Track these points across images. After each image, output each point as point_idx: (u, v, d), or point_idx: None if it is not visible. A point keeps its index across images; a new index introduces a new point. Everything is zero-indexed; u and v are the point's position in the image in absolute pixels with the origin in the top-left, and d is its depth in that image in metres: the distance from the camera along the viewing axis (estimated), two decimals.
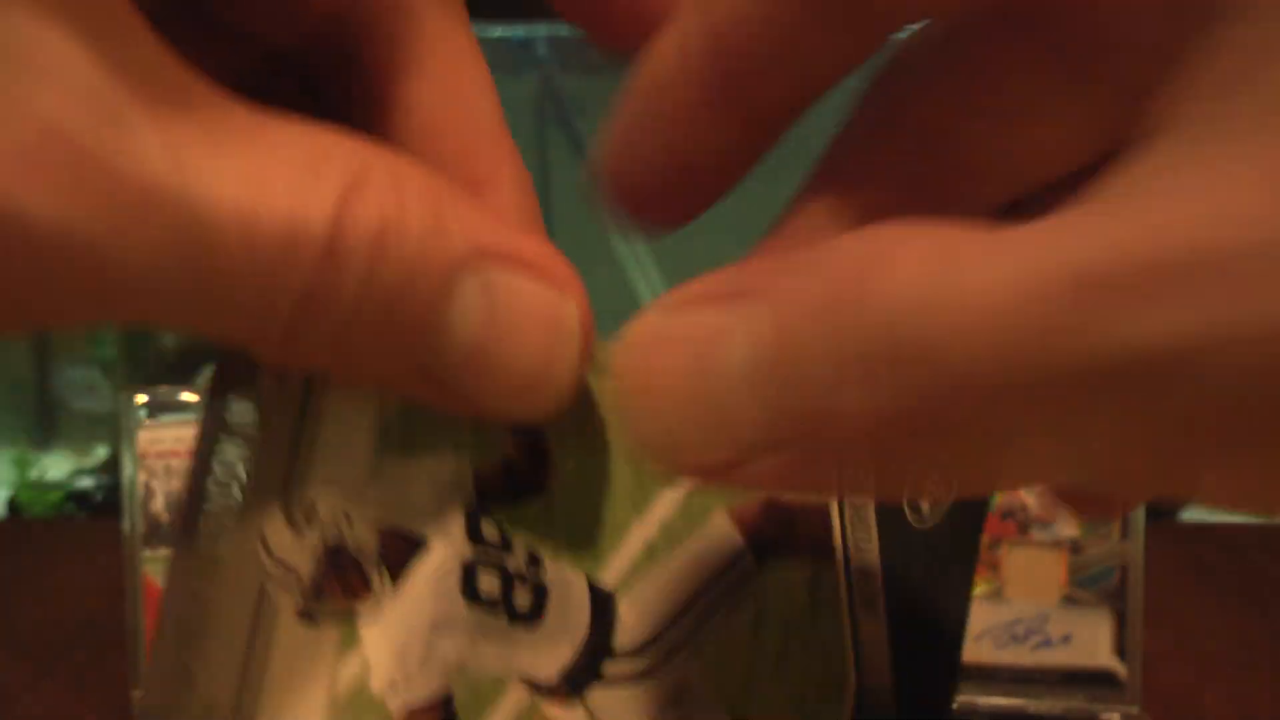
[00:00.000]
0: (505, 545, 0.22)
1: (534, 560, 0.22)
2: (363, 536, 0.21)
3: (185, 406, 0.52)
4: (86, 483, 0.88)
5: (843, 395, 0.16)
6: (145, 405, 0.52)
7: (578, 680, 0.21)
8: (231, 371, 0.22)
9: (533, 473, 0.22)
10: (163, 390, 0.52)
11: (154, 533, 0.51)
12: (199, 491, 0.21)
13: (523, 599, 0.21)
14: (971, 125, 0.22)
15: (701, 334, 0.17)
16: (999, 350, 0.15)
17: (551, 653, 0.21)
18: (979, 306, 0.15)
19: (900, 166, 0.23)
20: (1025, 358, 0.15)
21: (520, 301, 0.19)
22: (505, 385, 0.19)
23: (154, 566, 0.50)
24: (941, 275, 0.15)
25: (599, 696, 0.21)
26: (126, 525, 0.50)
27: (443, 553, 0.21)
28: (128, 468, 0.52)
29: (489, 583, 0.21)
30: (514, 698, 0.21)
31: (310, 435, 0.22)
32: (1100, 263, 0.14)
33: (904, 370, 0.15)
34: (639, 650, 0.22)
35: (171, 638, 0.21)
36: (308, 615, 0.21)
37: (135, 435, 0.52)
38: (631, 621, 0.22)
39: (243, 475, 0.22)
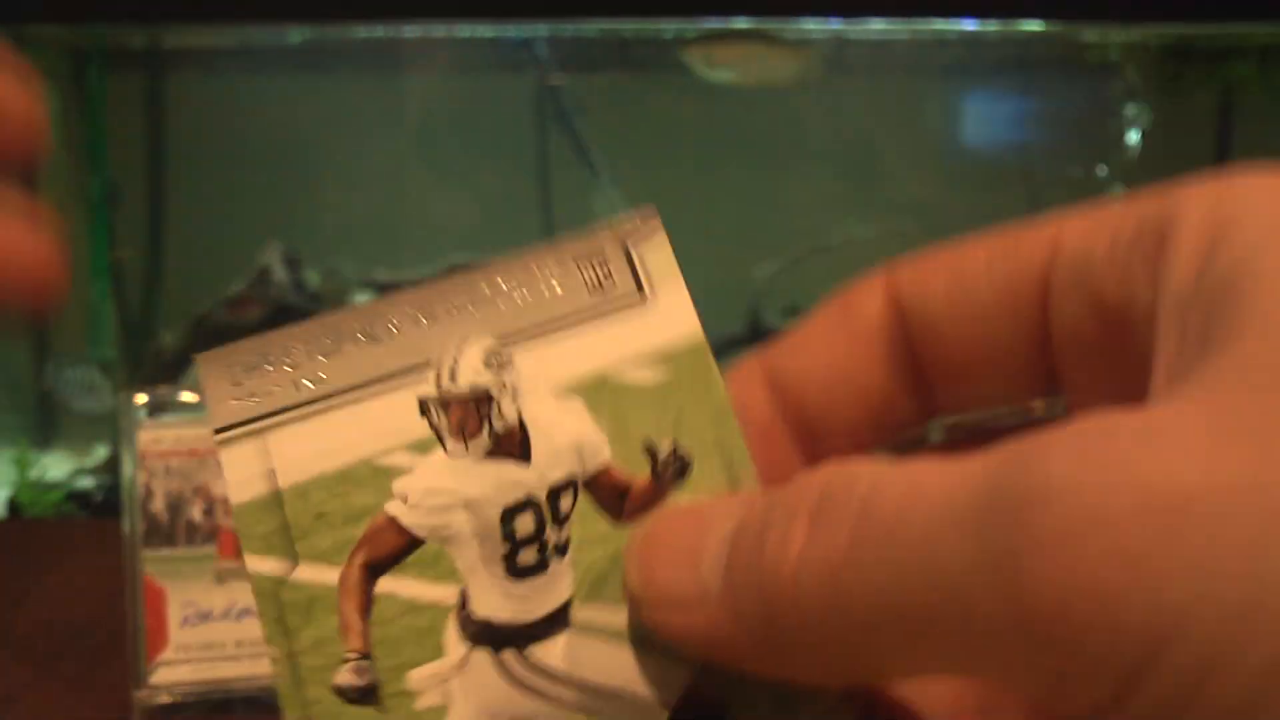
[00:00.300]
0: (561, 522, 0.24)
1: (562, 548, 0.24)
2: (509, 413, 0.24)
3: (185, 406, 0.52)
4: (86, 483, 0.88)
5: (780, 544, 0.20)
6: (145, 405, 0.52)
7: (479, 637, 0.23)
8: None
9: (634, 508, 0.24)
10: (163, 390, 0.52)
11: (154, 533, 0.51)
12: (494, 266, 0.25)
13: (527, 559, 0.24)
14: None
15: (702, 516, 0.22)
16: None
17: (490, 601, 0.24)
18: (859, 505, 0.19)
19: None
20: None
21: None
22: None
23: (154, 566, 0.50)
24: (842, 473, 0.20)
25: (480, 658, 0.24)
26: (126, 525, 0.50)
27: (526, 479, 0.24)
28: (128, 468, 0.52)
29: (524, 525, 0.24)
30: (449, 593, 0.23)
31: (564, 328, 0.25)
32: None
33: (822, 520, 0.19)
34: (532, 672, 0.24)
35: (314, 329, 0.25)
36: (423, 408, 0.24)
37: (135, 435, 0.52)
38: (551, 656, 0.24)
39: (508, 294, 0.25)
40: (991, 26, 0.82)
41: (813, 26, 0.81)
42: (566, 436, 0.24)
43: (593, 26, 0.82)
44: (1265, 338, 0.17)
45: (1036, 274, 0.23)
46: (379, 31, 0.83)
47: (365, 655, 0.23)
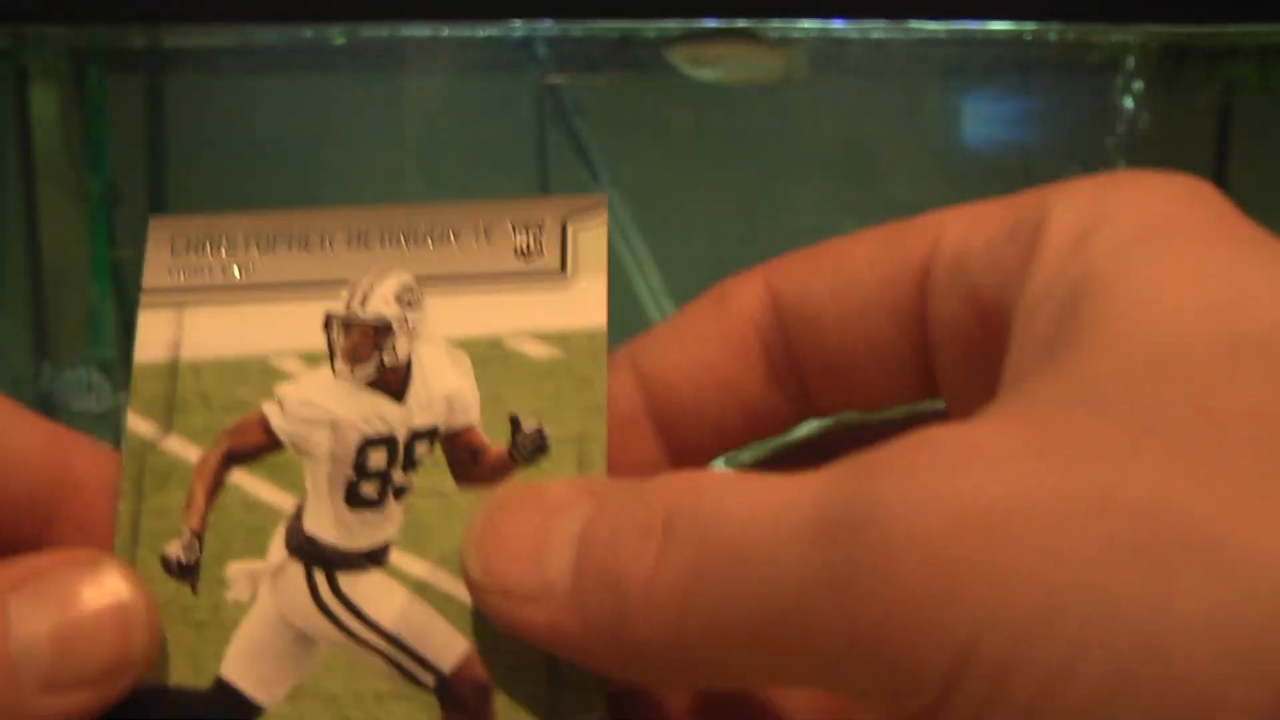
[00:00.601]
0: (410, 466, 0.25)
1: (401, 491, 0.24)
2: (402, 351, 0.25)
3: None
4: None
5: (632, 559, 0.20)
6: None
7: (299, 550, 0.24)
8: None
9: (483, 474, 0.24)
10: None
11: None
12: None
13: (367, 492, 0.24)
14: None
15: (546, 505, 0.22)
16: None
17: (320, 521, 0.24)
18: (699, 519, 0.19)
19: None
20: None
21: (79, 601, 0.22)
22: (89, 683, 0.22)
23: None
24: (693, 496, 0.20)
25: (294, 569, 0.24)
26: None
27: (393, 416, 0.25)
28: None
29: (375, 460, 0.25)
30: (288, 501, 0.24)
31: (479, 285, 0.25)
32: None
33: (670, 538, 0.19)
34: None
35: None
36: (327, 324, 0.25)
37: None
38: (357, 588, 0.24)
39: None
40: (991, 26, 0.82)
41: (808, 25, 0.81)
42: (443, 387, 0.25)
43: (579, 26, 0.82)
44: (1099, 352, 0.18)
45: (916, 269, 0.23)
46: (379, 31, 0.83)
47: (198, 535, 0.24)
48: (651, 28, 0.80)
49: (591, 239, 0.26)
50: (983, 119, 0.96)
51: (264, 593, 0.24)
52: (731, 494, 0.19)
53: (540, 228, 0.26)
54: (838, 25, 0.81)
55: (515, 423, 0.25)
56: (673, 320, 0.26)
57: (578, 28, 0.83)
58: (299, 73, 0.93)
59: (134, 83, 0.90)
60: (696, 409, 0.25)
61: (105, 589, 0.22)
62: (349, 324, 0.25)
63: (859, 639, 0.17)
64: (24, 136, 0.88)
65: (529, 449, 0.24)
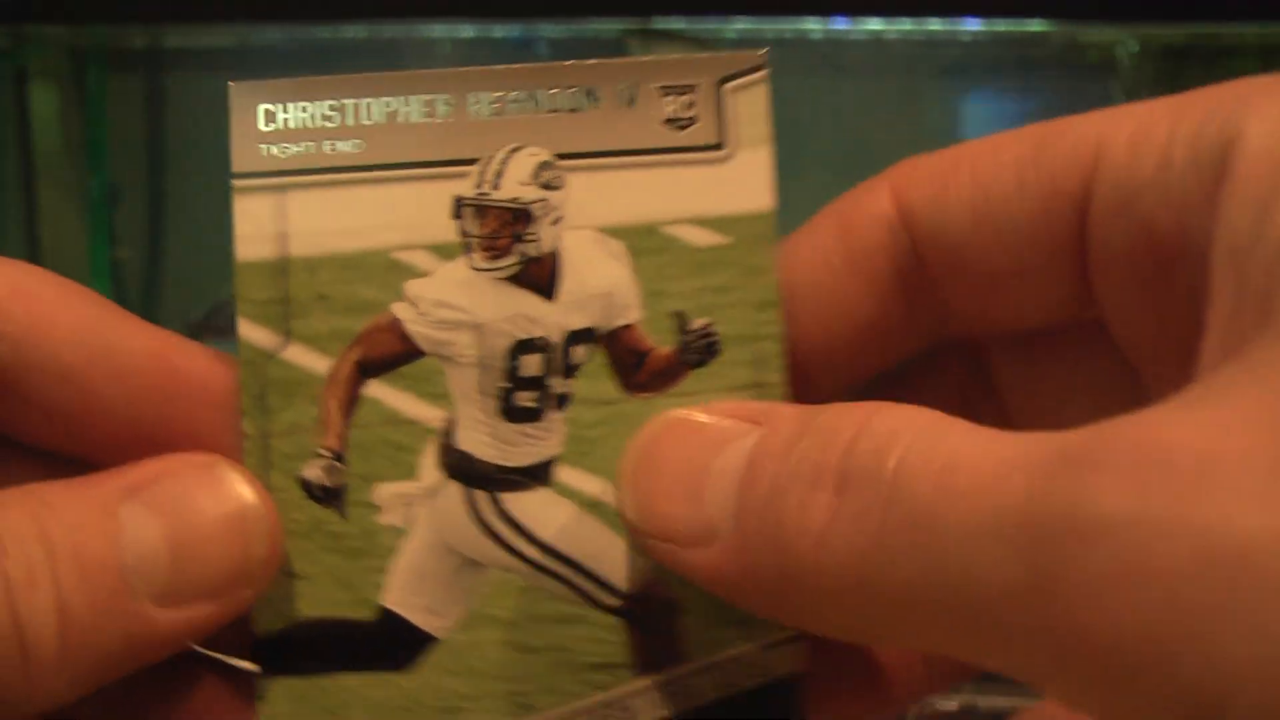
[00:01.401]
0: (569, 373, 0.22)
1: (562, 400, 0.22)
2: (547, 240, 0.22)
3: None
4: None
5: (801, 510, 0.18)
6: None
7: (455, 469, 0.22)
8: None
9: (648, 380, 0.22)
10: None
11: None
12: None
13: (524, 402, 0.22)
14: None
15: (703, 438, 0.20)
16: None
17: (475, 437, 0.22)
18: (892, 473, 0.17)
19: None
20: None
21: (196, 507, 0.20)
22: (208, 594, 0.20)
23: None
24: (876, 446, 0.18)
25: (452, 490, 0.22)
26: None
27: (545, 317, 0.22)
28: None
29: (530, 366, 0.22)
30: (435, 415, 0.22)
31: (627, 162, 0.22)
32: None
33: (849, 494, 0.18)
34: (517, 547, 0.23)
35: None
36: (457, 209, 0.22)
37: None
38: (523, 509, 0.22)
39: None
40: (991, 26, 0.82)
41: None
42: (599, 283, 0.22)
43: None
44: None
45: (1075, 191, 0.21)
46: (379, 32, 0.83)
47: (339, 456, 0.22)
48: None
49: (751, 102, 0.22)
50: (983, 119, 0.96)
51: (421, 517, 0.22)
52: (919, 447, 0.17)
53: (694, 94, 0.22)
54: (837, 25, 0.81)
55: (681, 320, 0.22)
56: (791, 240, 0.23)
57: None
58: (299, 73, 0.93)
59: (134, 83, 0.90)
60: (822, 339, 0.23)
61: (223, 494, 0.20)
62: (483, 209, 0.22)
63: (1068, 654, 0.15)
64: (24, 136, 0.87)
65: (699, 349, 0.22)
